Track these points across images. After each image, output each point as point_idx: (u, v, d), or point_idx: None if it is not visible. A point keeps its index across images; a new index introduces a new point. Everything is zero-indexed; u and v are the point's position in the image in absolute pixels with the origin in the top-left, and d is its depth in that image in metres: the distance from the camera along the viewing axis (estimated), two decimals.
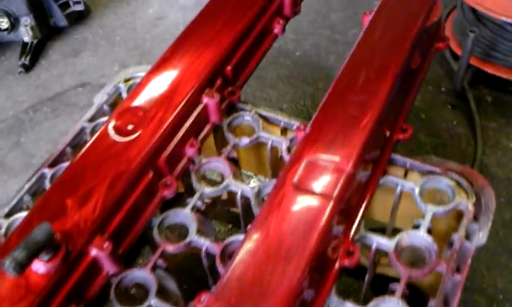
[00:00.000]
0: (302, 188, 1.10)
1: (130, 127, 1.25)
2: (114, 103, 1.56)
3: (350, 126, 1.20)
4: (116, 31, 2.85)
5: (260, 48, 1.55)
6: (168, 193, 1.25)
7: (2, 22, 2.64)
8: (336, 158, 1.14)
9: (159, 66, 1.40)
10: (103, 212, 1.12)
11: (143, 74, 1.57)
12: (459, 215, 1.24)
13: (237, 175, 1.40)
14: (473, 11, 2.25)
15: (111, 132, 1.25)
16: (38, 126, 2.42)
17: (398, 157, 1.31)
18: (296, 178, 1.11)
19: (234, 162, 1.41)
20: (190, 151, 1.32)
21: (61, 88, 2.57)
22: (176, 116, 1.28)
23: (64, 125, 2.41)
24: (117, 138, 1.24)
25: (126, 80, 1.58)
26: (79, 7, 2.75)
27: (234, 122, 1.45)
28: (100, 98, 1.55)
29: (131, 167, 1.19)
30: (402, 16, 1.45)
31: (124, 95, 1.54)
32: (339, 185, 1.09)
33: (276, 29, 1.59)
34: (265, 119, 1.45)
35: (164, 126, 1.26)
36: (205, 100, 1.34)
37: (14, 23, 2.63)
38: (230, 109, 1.46)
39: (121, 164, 1.19)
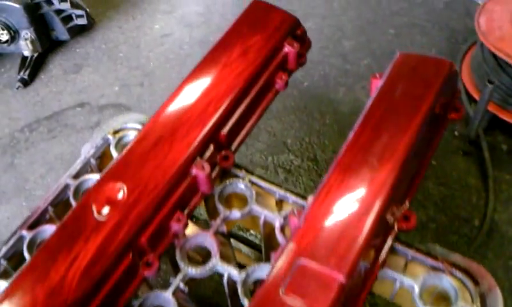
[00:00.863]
0: (291, 296, 1.00)
1: (110, 204, 1.16)
2: (102, 155, 1.48)
3: (349, 223, 1.09)
4: (120, 46, 2.75)
5: (259, 106, 1.45)
6: (149, 273, 1.17)
7: (1, 34, 2.55)
8: (331, 263, 1.04)
9: (148, 131, 1.30)
10: (80, 295, 1.04)
11: (133, 125, 1.50)
12: None
13: (226, 250, 1.31)
14: (493, 54, 2.12)
15: (91, 207, 1.16)
16: (34, 148, 2.35)
17: (399, 247, 1.21)
18: (284, 285, 1.01)
19: (224, 235, 1.32)
20: (175, 226, 1.23)
21: (59, 107, 2.49)
22: (162, 191, 1.19)
23: (60, 148, 2.33)
24: (97, 215, 1.15)
25: (115, 132, 1.49)
26: (82, 21, 2.66)
27: (226, 190, 1.35)
28: (87, 151, 1.46)
29: (110, 249, 1.11)
30: (416, 84, 1.33)
31: (112, 150, 1.45)
32: (331, 298, 0.99)
33: (278, 85, 1.49)
34: (260, 187, 1.36)
35: (148, 203, 1.17)
36: (195, 171, 1.25)
37: (14, 36, 2.55)
38: (222, 174, 1.36)
39: (100, 244, 1.11)
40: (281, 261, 1.06)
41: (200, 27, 2.77)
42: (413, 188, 1.27)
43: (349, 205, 1.12)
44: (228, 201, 1.37)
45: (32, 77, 2.60)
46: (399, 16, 2.77)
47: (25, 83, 2.56)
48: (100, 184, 1.21)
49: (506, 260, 1.88)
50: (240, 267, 1.23)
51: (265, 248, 1.40)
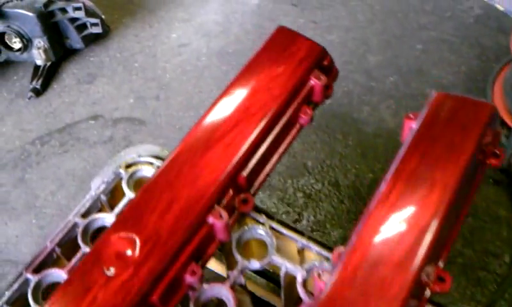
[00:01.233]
0: None
1: (120, 258, 1.07)
2: (113, 190, 1.39)
3: (380, 293, 0.99)
4: (135, 56, 2.66)
5: (282, 144, 1.35)
6: None
7: (14, 42, 2.48)
8: None
9: (162, 174, 1.21)
10: None
11: (147, 159, 1.41)
12: None
13: (244, 301, 1.22)
14: None
15: (100, 260, 1.08)
16: (45, 162, 2.27)
17: None
18: None
19: (242, 286, 1.22)
20: (190, 279, 1.14)
21: (72, 119, 2.41)
22: (176, 243, 1.10)
23: (72, 163, 2.25)
24: (106, 270, 1.07)
25: (127, 166, 1.40)
26: (97, 30, 2.57)
27: (244, 236, 1.26)
28: (97, 186, 1.38)
29: None
30: (455, 131, 1.21)
31: (124, 186, 1.36)
32: None
33: (303, 120, 1.38)
34: (281, 233, 1.26)
35: (161, 257, 1.08)
36: (211, 220, 1.15)
37: (27, 45, 2.47)
38: (240, 217, 1.27)
39: (109, 303, 1.03)
40: None
41: (218, 37, 2.67)
42: (447, 247, 1.17)
43: (380, 271, 1.02)
44: (246, 246, 1.28)
45: (45, 86, 2.52)
46: (426, 31, 2.64)
47: (38, 93, 2.48)
48: (109, 234, 1.12)
49: None
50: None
51: (285, 297, 1.30)
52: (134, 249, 1.09)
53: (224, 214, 1.16)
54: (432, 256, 1.07)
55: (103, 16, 2.63)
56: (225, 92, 1.36)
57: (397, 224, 1.08)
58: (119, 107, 2.43)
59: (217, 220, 1.15)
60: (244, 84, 1.35)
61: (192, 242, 1.13)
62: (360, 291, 1.00)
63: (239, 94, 1.34)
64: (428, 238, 1.05)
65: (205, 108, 2.43)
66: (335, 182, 2.13)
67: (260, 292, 1.56)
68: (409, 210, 1.09)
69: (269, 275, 1.63)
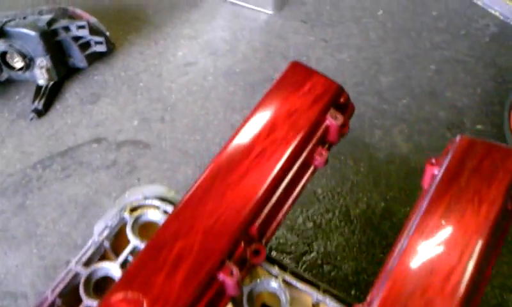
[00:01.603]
0: None
1: None
2: (117, 234, 1.32)
3: None
4: (140, 75, 2.59)
5: (295, 190, 1.27)
6: None
7: (17, 61, 2.41)
8: None
9: (169, 226, 1.13)
10: None
11: (152, 202, 1.34)
12: None
13: None
14: None
15: None
16: (46, 188, 2.20)
17: None
18: None
19: None
20: None
21: (75, 142, 2.34)
22: (185, 305, 1.03)
23: (74, 189, 2.18)
24: None
25: (132, 210, 1.33)
26: (101, 49, 2.50)
27: (257, 289, 1.18)
28: (100, 230, 1.31)
29: None
30: (482, 181, 1.13)
31: (129, 231, 1.29)
32: None
33: (318, 162, 1.31)
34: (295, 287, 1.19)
35: None
36: (222, 277, 1.08)
37: (29, 64, 2.40)
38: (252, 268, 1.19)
39: None
40: None
41: (226, 56, 2.60)
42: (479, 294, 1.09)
43: None
44: (258, 298, 1.21)
45: (47, 107, 2.45)
46: (440, 50, 2.56)
47: (40, 113, 2.42)
48: (114, 293, 1.05)
49: None
50: None
51: None
52: None
53: (236, 271, 1.08)
54: None
55: (107, 34, 2.56)
56: (237, 132, 1.28)
57: (419, 288, 1.00)
58: (123, 129, 2.36)
59: (228, 278, 1.08)
60: (257, 125, 1.27)
61: (201, 301, 1.06)
62: None
63: (251, 136, 1.26)
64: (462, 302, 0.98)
65: (211, 131, 2.38)
66: (346, 211, 2.05)
67: None
68: (435, 274, 1.02)
69: None
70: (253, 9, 2.90)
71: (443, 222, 1.09)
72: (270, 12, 2.86)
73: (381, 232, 1.99)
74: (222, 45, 2.68)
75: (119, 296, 1.04)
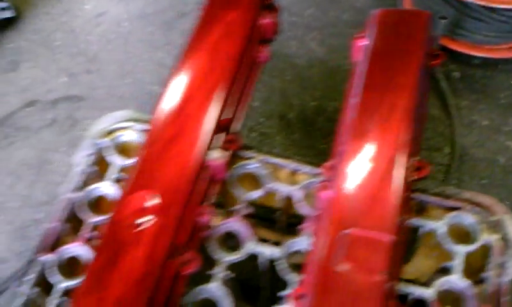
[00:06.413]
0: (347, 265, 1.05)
1: (145, 213, 1.14)
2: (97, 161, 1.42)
3: (381, 184, 1.15)
4: (53, 34, 2.58)
5: (250, 83, 1.45)
6: (192, 269, 1.16)
7: None
8: (377, 227, 1.09)
9: (155, 133, 1.26)
10: None
11: (128, 124, 1.46)
12: (484, 252, 1.24)
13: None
14: None
15: (127, 220, 1.14)
16: None
17: (417, 195, 1.29)
18: (337, 256, 1.06)
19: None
20: (204, 219, 1.23)
21: (8, 110, 2.32)
22: (187, 190, 1.18)
23: (21, 153, 2.20)
24: (135, 227, 1.13)
25: (109, 133, 1.44)
26: (9, 14, 2.46)
27: (238, 172, 1.36)
28: (81, 160, 1.39)
29: (158, 255, 1.10)
30: (404, 40, 1.37)
31: (111, 152, 1.39)
32: (387, 258, 1.05)
33: (263, 57, 1.49)
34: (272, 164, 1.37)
35: (180, 205, 1.16)
36: (211, 162, 1.24)
37: None
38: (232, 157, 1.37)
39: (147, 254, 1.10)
40: (324, 232, 1.10)
41: (136, 0, 2.65)
42: (419, 140, 1.34)
43: (376, 167, 1.17)
44: (240, 183, 1.38)
45: None
46: None
47: None
48: (127, 195, 1.18)
49: (480, 180, 2.04)
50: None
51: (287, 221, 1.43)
52: (153, 204, 1.15)
53: (220, 154, 1.25)
54: (412, 150, 1.24)
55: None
56: (187, 48, 1.41)
57: (378, 130, 1.23)
58: (52, 88, 2.38)
59: (217, 161, 1.24)
60: (203, 38, 1.41)
61: (199, 186, 1.22)
62: (364, 188, 1.14)
63: (202, 48, 1.40)
64: (407, 135, 1.22)
65: (139, 72, 2.46)
66: (283, 115, 2.26)
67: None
68: (384, 115, 1.25)
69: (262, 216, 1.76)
70: None
71: (384, 80, 1.32)
72: None
73: (318, 127, 2.22)
74: None
75: (129, 197, 1.17)
